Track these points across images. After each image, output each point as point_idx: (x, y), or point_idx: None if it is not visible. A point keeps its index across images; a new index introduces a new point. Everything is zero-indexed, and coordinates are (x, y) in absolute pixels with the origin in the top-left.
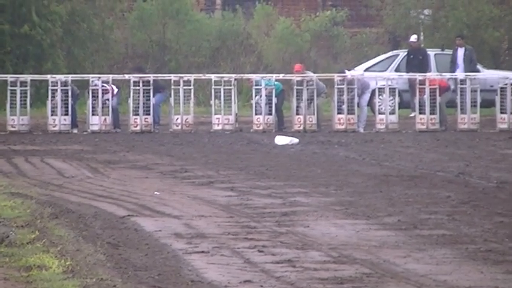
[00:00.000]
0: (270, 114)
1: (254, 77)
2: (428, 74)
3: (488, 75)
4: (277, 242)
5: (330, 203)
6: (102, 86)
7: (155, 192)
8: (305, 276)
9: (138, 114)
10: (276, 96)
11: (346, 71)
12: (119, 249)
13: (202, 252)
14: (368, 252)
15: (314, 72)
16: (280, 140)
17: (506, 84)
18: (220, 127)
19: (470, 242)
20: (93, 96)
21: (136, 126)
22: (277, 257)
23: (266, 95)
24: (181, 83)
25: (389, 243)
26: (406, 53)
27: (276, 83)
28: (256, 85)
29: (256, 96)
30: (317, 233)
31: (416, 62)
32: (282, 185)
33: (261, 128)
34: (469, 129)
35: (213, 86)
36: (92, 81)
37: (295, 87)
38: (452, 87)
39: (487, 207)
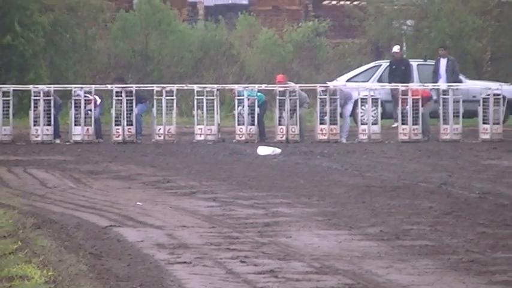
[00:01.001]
0: (253, 124)
1: (236, 87)
2: (410, 85)
3: (470, 85)
4: (259, 253)
5: (312, 214)
6: (85, 96)
7: (138, 203)
8: (287, 287)
9: (120, 125)
10: (258, 107)
11: (328, 82)
12: (101, 259)
13: (185, 262)
14: (350, 263)
15: (297, 83)
16: (263, 150)
17: (488, 95)
18: (202, 137)
19: (452, 253)
20: (75, 107)
21: (118, 137)
22: (259, 267)
23: (248, 105)
24: (164, 93)
25: (372, 253)
26: (388, 64)
27: (258, 93)
28: (238, 96)
29: (238, 106)
30: (299, 244)
31: (399, 72)
32: (265, 196)
33: (243, 138)
34: (452, 139)
35: (195, 96)
36: (75, 91)
37: (277, 97)
38: (434, 97)
39: (469, 217)
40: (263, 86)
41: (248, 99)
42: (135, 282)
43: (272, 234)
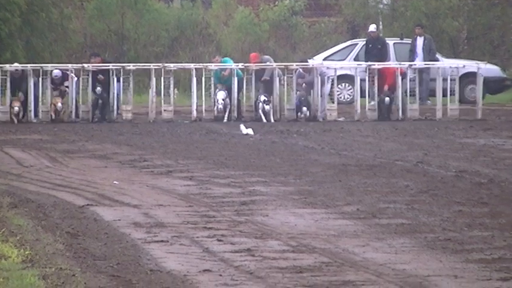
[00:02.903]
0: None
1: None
2: (387, 63)
3: (447, 64)
4: (236, 231)
5: (289, 193)
6: (63, 72)
7: (114, 182)
8: (264, 265)
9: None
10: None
11: (309, 60)
12: (78, 238)
13: (161, 241)
14: (327, 241)
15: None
16: (244, 129)
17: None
18: (178, 116)
19: (429, 231)
20: (53, 85)
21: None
22: (236, 246)
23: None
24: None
25: (348, 232)
26: (365, 42)
27: (238, 71)
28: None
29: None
30: (276, 222)
31: (375, 51)
32: (241, 175)
33: (219, 115)
34: (428, 118)
35: (169, 76)
36: (52, 72)
37: (253, 76)
38: (411, 75)
39: (445, 196)
40: (239, 65)
41: (225, 70)
42: (112, 261)
43: (249, 213)
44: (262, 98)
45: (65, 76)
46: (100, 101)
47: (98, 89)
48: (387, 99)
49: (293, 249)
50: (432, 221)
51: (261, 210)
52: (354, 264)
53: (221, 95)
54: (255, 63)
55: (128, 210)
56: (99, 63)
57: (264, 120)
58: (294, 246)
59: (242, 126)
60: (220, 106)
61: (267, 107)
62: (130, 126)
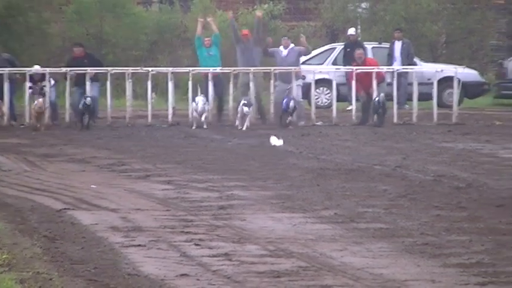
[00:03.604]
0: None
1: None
2: (365, 67)
3: (425, 68)
4: (214, 236)
5: (267, 197)
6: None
7: (92, 186)
8: (242, 270)
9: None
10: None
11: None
12: (56, 242)
13: (139, 245)
14: (305, 246)
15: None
16: (275, 140)
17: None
18: (157, 120)
19: (407, 236)
20: (31, 82)
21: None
22: (214, 250)
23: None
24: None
25: (326, 236)
26: (343, 46)
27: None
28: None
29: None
30: (254, 227)
31: (354, 55)
32: (220, 179)
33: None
34: (407, 122)
35: (147, 80)
36: (30, 71)
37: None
38: (388, 80)
39: (424, 200)
40: (218, 69)
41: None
42: (90, 265)
43: (227, 217)
44: (243, 101)
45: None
46: (90, 106)
47: (88, 99)
48: (382, 95)
49: (271, 254)
50: (410, 226)
51: (239, 214)
52: (332, 268)
53: (200, 99)
54: (245, 36)
55: (105, 214)
56: (81, 53)
57: (240, 124)
58: (272, 251)
59: (273, 138)
60: (198, 111)
61: (245, 109)
62: (108, 130)
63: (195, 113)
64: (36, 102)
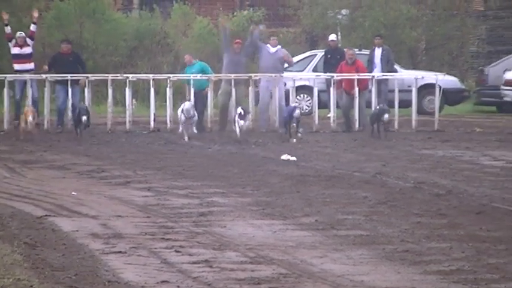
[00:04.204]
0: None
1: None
2: (346, 74)
3: (405, 75)
4: (194, 242)
5: (247, 203)
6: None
7: (72, 193)
8: (222, 277)
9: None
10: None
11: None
12: (36, 249)
13: (120, 252)
14: (285, 253)
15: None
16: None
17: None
18: (137, 127)
19: (387, 243)
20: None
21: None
22: (194, 257)
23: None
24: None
25: (306, 243)
26: (323, 53)
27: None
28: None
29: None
30: (234, 234)
31: (334, 61)
32: (199, 185)
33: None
34: (387, 129)
35: (127, 86)
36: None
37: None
38: (370, 87)
39: (404, 207)
40: (198, 76)
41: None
42: (70, 272)
43: (207, 224)
44: (239, 110)
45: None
46: (83, 117)
47: (84, 118)
48: (386, 116)
49: (251, 261)
50: (391, 233)
51: (219, 221)
52: (312, 275)
53: (188, 105)
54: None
55: (86, 221)
56: (68, 50)
57: (238, 133)
58: (252, 258)
59: (285, 155)
60: (186, 116)
61: (241, 122)
62: (88, 136)
63: (183, 118)
64: (28, 116)
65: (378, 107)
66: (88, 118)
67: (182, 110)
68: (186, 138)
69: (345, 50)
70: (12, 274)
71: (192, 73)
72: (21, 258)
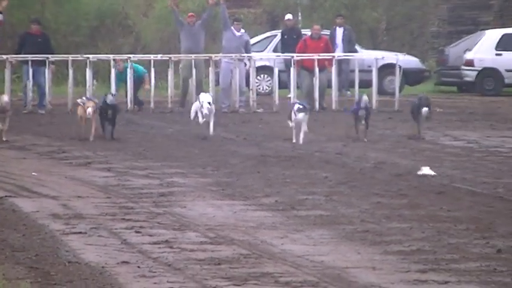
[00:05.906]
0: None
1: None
2: (305, 54)
3: (366, 55)
4: (154, 223)
5: (207, 184)
6: None
7: (33, 173)
8: (182, 257)
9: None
10: (135, 80)
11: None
12: None
13: (80, 233)
14: (245, 233)
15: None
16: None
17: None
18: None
19: (347, 223)
20: None
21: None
22: (154, 237)
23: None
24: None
25: (267, 224)
26: (280, 33)
27: (138, 66)
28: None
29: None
30: (194, 214)
31: (291, 41)
32: (160, 166)
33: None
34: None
35: (88, 67)
36: None
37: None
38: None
39: (364, 187)
40: (158, 57)
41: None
42: (31, 252)
43: (167, 204)
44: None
45: None
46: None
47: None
48: (425, 109)
49: (211, 241)
50: (351, 213)
51: (180, 201)
52: (273, 256)
53: (206, 99)
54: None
55: (46, 201)
56: (37, 31)
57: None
58: (212, 238)
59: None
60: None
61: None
62: (49, 117)
63: (200, 117)
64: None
65: (419, 97)
66: (114, 114)
67: (207, 103)
68: (211, 129)
69: (301, 29)
70: None
71: (123, 80)
72: None
